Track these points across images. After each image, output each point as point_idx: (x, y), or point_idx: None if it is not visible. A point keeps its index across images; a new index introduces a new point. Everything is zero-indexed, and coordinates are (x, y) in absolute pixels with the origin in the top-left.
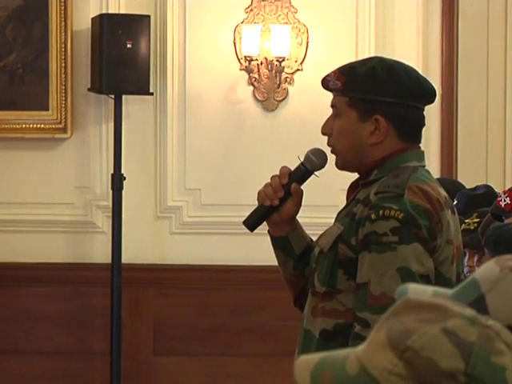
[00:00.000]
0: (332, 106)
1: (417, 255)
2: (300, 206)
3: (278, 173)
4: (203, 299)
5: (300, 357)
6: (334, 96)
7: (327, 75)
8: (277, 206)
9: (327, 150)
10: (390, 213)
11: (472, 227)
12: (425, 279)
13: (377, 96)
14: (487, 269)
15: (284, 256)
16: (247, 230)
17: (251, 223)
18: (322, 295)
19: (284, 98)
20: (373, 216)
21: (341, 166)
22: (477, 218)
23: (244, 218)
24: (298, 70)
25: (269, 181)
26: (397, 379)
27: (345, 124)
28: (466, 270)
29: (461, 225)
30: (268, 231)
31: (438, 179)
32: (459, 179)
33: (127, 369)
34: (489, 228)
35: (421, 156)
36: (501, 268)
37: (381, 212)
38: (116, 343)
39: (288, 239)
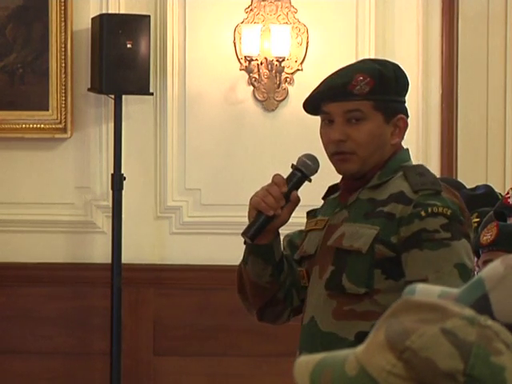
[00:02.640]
0: (352, 111)
1: (467, 251)
2: (292, 213)
3: (274, 177)
4: (203, 299)
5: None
6: (350, 100)
7: (353, 80)
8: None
9: (323, 152)
10: (438, 209)
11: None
12: (473, 275)
13: (398, 97)
14: (492, 268)
15: (263, 263)
16: None
17: (251, 234)
18: (348, 297)
19: (284, 98)
20: (422, 213)
21: (356, 170)
22: (477, 217)
23: (243, 230)
24: (298, 70)
25: (266, 183)
26: (396, 380)
27: (374, 128)
28: None
29: None
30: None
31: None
32: (459, 179)
33: (127, 369)
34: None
35: (409, 154)
36: (505, 266)
37: (429, 209)
38: (116, 343)
39: (271, 246)
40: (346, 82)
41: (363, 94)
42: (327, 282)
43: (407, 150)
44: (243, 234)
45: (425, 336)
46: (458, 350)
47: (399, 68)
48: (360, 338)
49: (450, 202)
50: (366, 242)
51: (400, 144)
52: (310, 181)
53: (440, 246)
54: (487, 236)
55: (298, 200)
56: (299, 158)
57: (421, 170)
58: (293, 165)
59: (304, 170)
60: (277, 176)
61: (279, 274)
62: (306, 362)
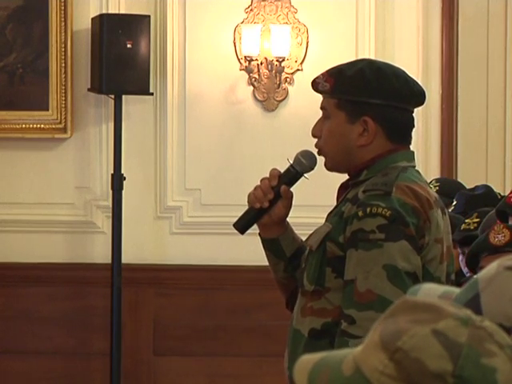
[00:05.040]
0: (321, 108)
1: (403, 253)
2: (290, 207)
3: (270, 171)
4: (203, 299)
5: (290, 356)
6: (324, 98)
7: (316, 77)
8: (267, 208)
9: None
10: (378, 210)
11: (472, 227)
12: (411, 277)
13: (365, 98)
14: (488, 268)
15: (275, 258)
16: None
17: (241, 226)
18: (311, 294)
19: (284, 98)
20: (360, 213)
21: (330, 167)
22: (477, 217)
23: (234, 221)
24: (298, 70)
25: (259, 183)
26: (388, 380)
27: (334, 126)
28: (466, 269)
29: (461, 225)
30: (258, 233)
31: (438, 179)
32: (459, 179)
33: (127, 369)
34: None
35: (410, 156)
36: (497, 267)
37: (368, 209)
38: (116, 343)
39: (278, 241)
40: (314, 79)
41: (326, 92)
42: (299, 280)
43: (409, 153)
44: (234, 225)
45: (416, 337)
46: (448, 350)
47: (378, 70)
48: (311, 334)
49: (398, 203)
50: (318, 239)
51: (377, 146)
52: (306, 177)
53: (373, 246)
54: (498, 237)
55: (289, 195)
56: (295, 155)
57: (388, 171)
58: (288, 160)
59: (297, 168)
60: (272, 170)
61: (294, 270)
62: (306, 361)
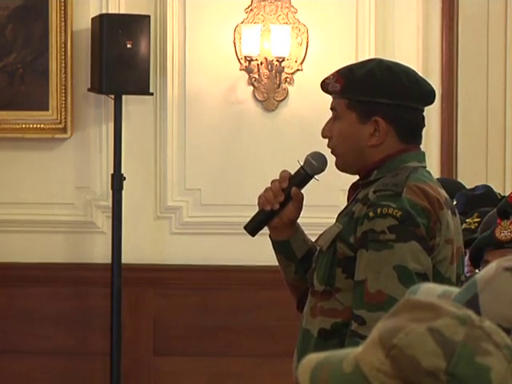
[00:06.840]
0: (332, 108)
1: (414, 253)
2: (301, 210)
3: (278, 176)
4: (203, 299)
5: (299, 356)
6: (334, 98)
7: (326, 78)
8: (277, 210)
9: (326, 152)
10: (388, 211)
11: (472, 227)
12: (422, 277)
13: (376, 98)
14: (487, 269)
15: (286, 260)
16: None
17: (252, 228)
18: (321, 294)
19: (284, 98)
20: (371, 214)
21: (342, 168)
22: (477, 217)
23: (245, 223)
24: (298, 70)
25: (269, 184)
26: (384, 377)
27: (345, 126)
28: (466, 269)
29: (461, 225)
30: (269, 235)
31: (437, 179)
32: (459, 179)
33: (127, 369)
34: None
35: (421, 157)
36: (496, 268)
37: (379, 210)
38: (116, 343)
39: (289, 243)
40: (324, 80)
41: (337, 92)
42: (309, 280)
43: (420, 153)
44: (245, 228)
45: (411, 334)
46: (442, 348)
47: (388, 69)
48: (321, 334)
49: (409, 203)
50: (328, 240)
51: (388, 146)
52: (317, 179)
53: (383, 247)
54: (505, 233)
55: (299, 197)
56: (306, 157)
57: (399, 172)
58: (299, 162)
59: (307, 170)
60: (283, 172)
61: (304, 272)
62: (310, 359)
